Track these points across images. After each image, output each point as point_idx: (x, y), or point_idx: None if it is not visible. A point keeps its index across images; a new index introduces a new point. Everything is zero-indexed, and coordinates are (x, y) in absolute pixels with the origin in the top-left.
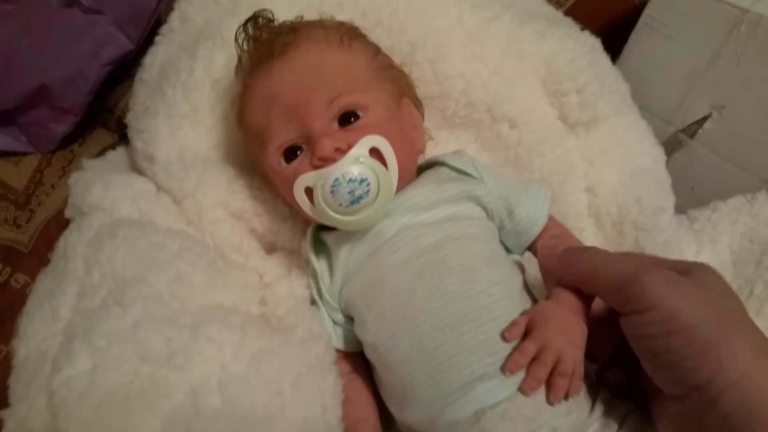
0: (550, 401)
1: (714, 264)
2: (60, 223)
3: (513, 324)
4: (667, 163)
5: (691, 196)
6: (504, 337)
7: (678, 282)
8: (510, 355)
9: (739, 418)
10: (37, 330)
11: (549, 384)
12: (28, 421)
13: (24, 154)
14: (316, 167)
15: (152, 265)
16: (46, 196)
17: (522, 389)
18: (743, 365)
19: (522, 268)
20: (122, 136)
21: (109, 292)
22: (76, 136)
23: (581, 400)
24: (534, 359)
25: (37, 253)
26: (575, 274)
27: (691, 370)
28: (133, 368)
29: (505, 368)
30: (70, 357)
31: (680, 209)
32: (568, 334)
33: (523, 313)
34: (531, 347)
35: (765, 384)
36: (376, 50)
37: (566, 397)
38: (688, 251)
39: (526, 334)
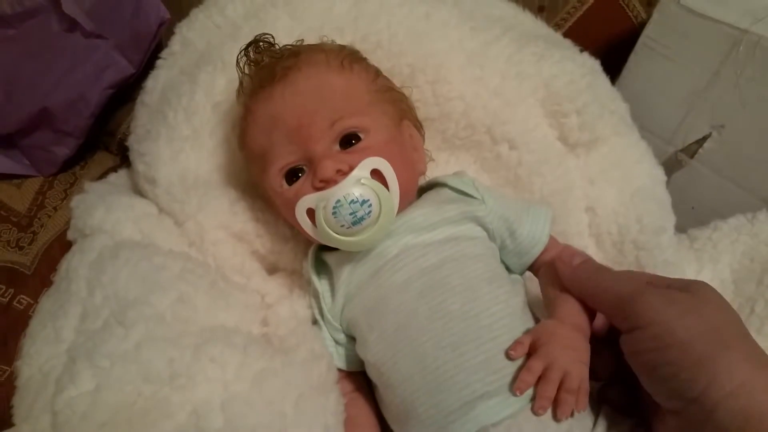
0: (557, 418)
1: (715, 283)
2: (62, 245)
3: (517, 342)
4: (668, 182)
5: (691, 216)
6: (508, 356)
7: (675, 299)
8: (516, 374)
9: (735, 429)
10: (41, 351)
11: (556, 401)
12: None
13: (26, 176)
14: (317, 189)
15: (154, 286)
16: (48, 218)
17: (533, 410)
18: (739, 377)
19: (524, 288)
20: (124, 159)
21: (111, 313)
22: (78, 159)
23: (584, 416)
24: (540, 378)
25: (40, 274)
26: (582, 289)
27: (687, 381)
28: (136, 388)
29: (514, 388)
30: (73, 377)
31: (681, 228)
32: (572, 350)
33: (525, 332)
34: (537, 365)
35: (761, 396)
36: (377, 73)
37: (572, 414)
38: (689, 270)
39: (531, 353)
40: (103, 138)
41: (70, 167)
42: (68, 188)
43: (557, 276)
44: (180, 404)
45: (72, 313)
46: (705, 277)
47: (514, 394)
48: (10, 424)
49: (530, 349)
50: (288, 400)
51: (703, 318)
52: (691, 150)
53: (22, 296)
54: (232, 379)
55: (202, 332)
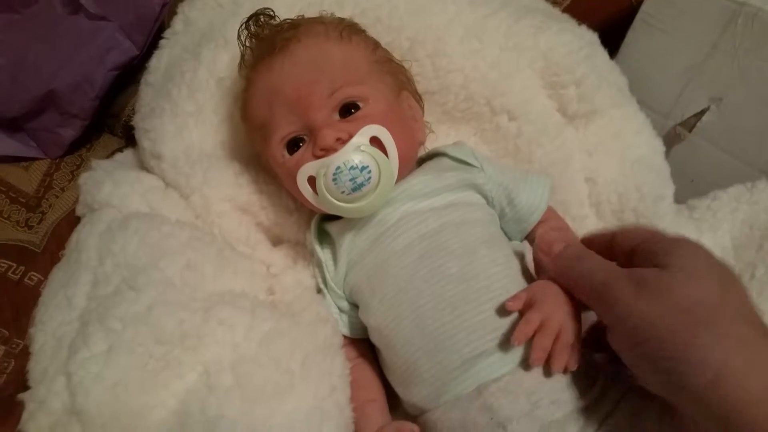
0: (551, 371)
1: (715, 250)
2: (70, 224)
3: (514, 296)
4: (667, 156)
5: (691, 189)
6: (506, 307)
7: (645, 284)
8: (515, 326)
9: (721, 425)
10: (53, 317)
11: (550, 354)
12: (48, 402)
13: (33, 159)
14: (318, 157)
15: (163, 253)
16: (56, 199)
17: (530, 361)
18: (715, 362)
19: (522, 253)
20: (128, 141)
21: (122, 279)
22: (84, 141)
23: (581, 376)
24: (537, 330)
25: (50, 252)
26: (563, 280)
27: (667, 374)
28: (148, 350)
29: (512, 338)
30: (86, 340)
31: (680, 201)
32: (567, 307)
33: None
34: (535, 318)
35: (741, 381)
36: (376, 45)
37: (564, 370)
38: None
39: (527, 308)
40: (108, 121)
41: (76, 150)
42: (75, 170)
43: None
44: (191, 364)
45: (83, 281)
46: (705, 244)
47: (513, 345)
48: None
49: (526, 304)
50: (295, 360)
51: (673, 300)
52: (690, 124)
53: (32, 273)
54: (240, 340)
55: (210, 297)
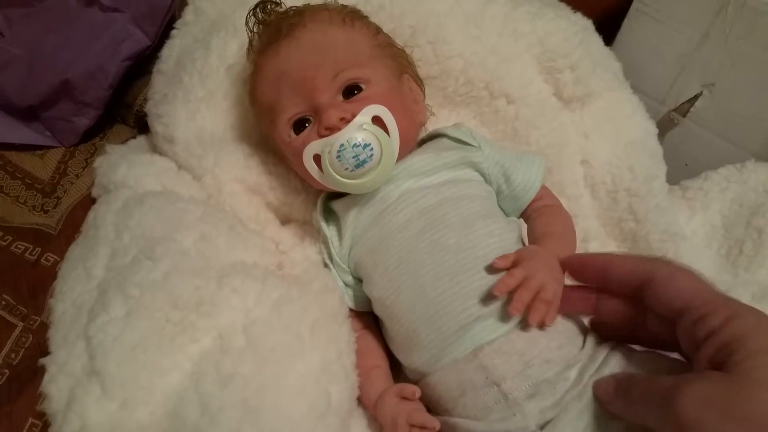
0: (528, 323)
1: (706, 228)
2: (85, 208)
3: (503, 255)
4: (662, 141)
5: (685, 173)
6: (494, 264)
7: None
8: (508, 298)
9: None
10: (73, 288)
11: (529, 308)
12: (68, 365)
13: (48, 147)
14: (322, 136)
15: (179, 226)
16: (70, 185)
17: (508, 310)
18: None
19: (518, 227)
20: (141, 131)
21: (139, 250)
22: (97, 130)
23: (573, 338)
24: (519, 285)
25: (65, 235)
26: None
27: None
28: (165, 314)
29: (494, 289)
30: (106, 306)
31: (674, 184)
32: (551, 269)
33: None
34: (519, 273)
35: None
36: (378, 30)
37: (542, 326)
38: (681, 217)
39: (514, 266)
40: (120, 111)
41: (89, 138)
42: (89, 158)
43: (543, 223)
44: (205, 329)
45: (101, 254)
46: (696, 222)
47: (494, 296)
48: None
49: (514, 263)
50: (304, 324)
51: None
52: (684, 109)
53: (48, 254)
54: (252, 306)
55: (223, 267)
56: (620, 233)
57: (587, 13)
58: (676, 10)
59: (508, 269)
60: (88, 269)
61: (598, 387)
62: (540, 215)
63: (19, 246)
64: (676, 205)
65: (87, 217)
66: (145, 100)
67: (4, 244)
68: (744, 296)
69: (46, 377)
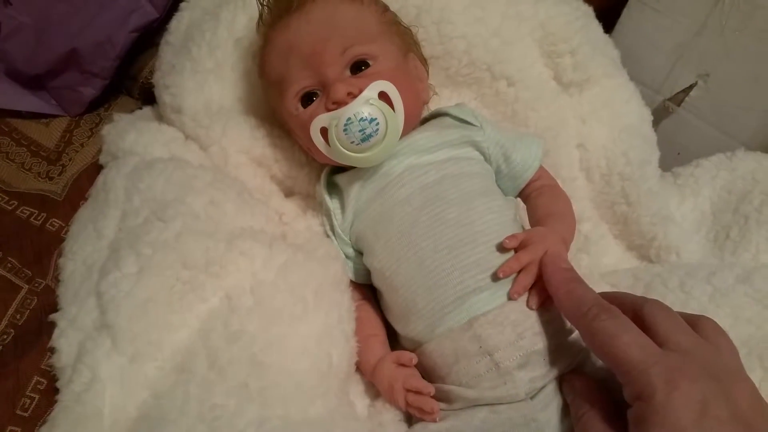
0: (529, 306)
1: (695, 213)
2: (90, 177)
3: (513, 235)
4: (656, 130)
5: (677, 161)
6: (503, 244)
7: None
8: (505, 262)
9: None
10: (83, 247)
11: (531, 291)
12: (79, 320)
13: (54, 116)
14: (330, 110)
15: (189, 190)
16: (75, 153)
17: (509, 293)
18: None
19: (516, 206)
20: (145, 103)
21: (151, 211)
22: (102, 101)
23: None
24: (523, 269)
25: (70, 201)
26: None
27: None
28: (175, 273)
29: (499, 270)
30: (118, 263)
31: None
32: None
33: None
34: (525, 257)
35: None
36: (385, 7)
37: (540, 306)
38: (671, 202)
39: (521, 249)
40: (126, 83)
41: (94, 109)
42: (93, 127)
43: (545, 203)
44: (213, 290)
45: (112, 216)
46: (686, 208)
47: (499, 277)
48: (48, 329)
49: (521, 244)
50: (309, 288)
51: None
52: (679, 99)
53: (54, 219)
54: (259, 269)
55: (232, 231)
56: (612, 216)
57: (588, 1)
58: (675, 1)
59: (515, 249)
60: (99, 230)
61: None
62: (540, 195)
63: (24, 210)
64: (667, 191)
65: (96, 182)
66: (151, 72)
67: (10, 208)
68: (729, 279)
69: (56, 332)
